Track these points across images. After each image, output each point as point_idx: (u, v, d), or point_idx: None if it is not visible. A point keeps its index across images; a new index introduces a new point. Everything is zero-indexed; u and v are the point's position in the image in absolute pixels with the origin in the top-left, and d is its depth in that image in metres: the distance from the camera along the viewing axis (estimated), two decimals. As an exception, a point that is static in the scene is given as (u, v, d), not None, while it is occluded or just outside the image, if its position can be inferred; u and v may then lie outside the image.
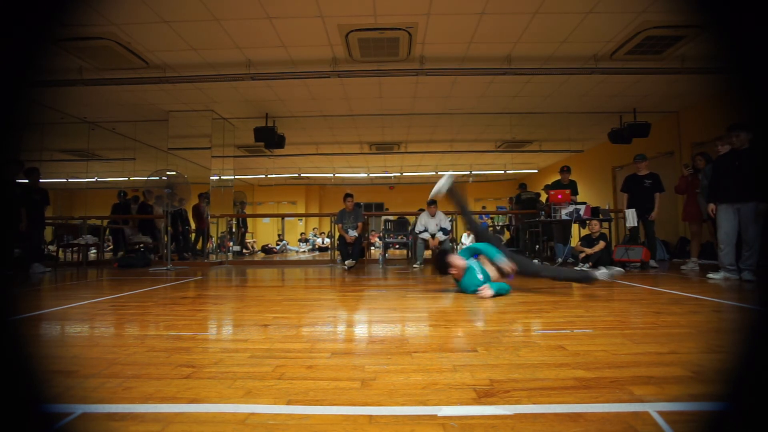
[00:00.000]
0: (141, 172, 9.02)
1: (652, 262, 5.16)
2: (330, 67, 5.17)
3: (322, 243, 12.69)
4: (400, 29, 4.33)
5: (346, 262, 5.88)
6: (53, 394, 1.14)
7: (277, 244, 12.53)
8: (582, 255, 5.05)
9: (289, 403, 1.08)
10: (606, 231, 5.78)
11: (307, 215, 15.07)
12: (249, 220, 12.55)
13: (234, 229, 9.79)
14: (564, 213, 5.60)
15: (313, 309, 2.55)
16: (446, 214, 6.31)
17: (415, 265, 5.95)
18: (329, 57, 5.00)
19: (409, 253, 7.39)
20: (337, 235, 6.39)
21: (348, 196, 6.13)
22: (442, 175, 3.43)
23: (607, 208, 6.33)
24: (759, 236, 3.60)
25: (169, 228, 6.03)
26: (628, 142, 6.95)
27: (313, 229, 14.64)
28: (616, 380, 1.21)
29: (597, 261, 4.99)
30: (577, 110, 7.06)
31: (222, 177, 7.67)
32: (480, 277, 2.99)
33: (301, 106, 6.69)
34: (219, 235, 7.64)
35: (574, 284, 3.56)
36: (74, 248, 7.02)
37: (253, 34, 4.41)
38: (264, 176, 12.97)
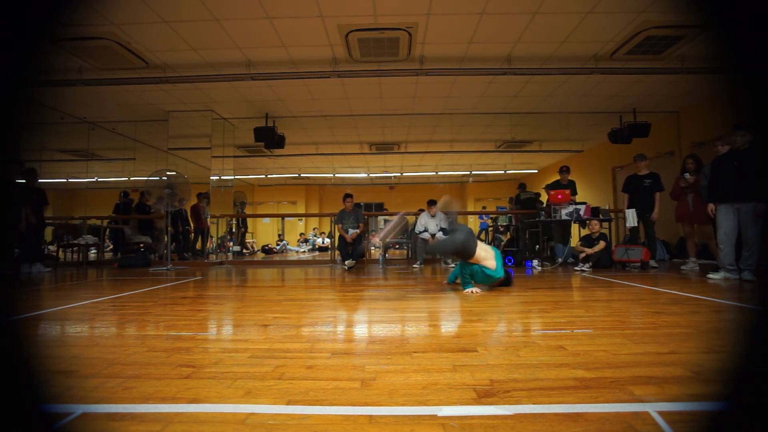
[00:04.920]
0: (141, 172, 9.01)
1: (652, 262, 5.16)
2: (330, 67, 5.18)
3: (322, 243, 12.69)
4: (400, 29, 4.33)
5: (346, 262, 5.88)
6: (53, 394, 1.14)
7: (277, 244, 12.53)
8: (582, 255, 5.05)
9: (289, 403, 1.08)
10: (606, 231, 5.78)
11: (307, 215, 15.07)
12: (249, 220, 12.55)
13: (234, 229, 9.79)
14: (564, 213, 5.60)
15: (313, 309, 2.55)
16: (446, 214, 6.30)
17: (415, 265, 5.96)
18: (329, 57, 5.00)
19: (409, 253, 7.39)
20: (337, 235, 6.39)
21: (347, 196, 6.13)
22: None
23: (607, 208, 6.34)
24: (759, 236, 3.60)
25: (169, 228, 6.03)
26: (628, 142, 6.95)
27: (314, 229, 14.64)
28: (616, 380, 1.21)
29: (597, 261, 5.00)
30: (577, 110, 7.06)
31: (222, 177, 7.67)
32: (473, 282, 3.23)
33: (301, 106, 6.69)
34: (219, 236, 7.64)
35: (574, 285, 3.56)
36: (74, 248, 7.02)
37: (253, 34, 4.41)
38: (264, 176, 12.97)
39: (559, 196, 5.71)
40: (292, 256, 10.51)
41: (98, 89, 5.71)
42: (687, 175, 4.76)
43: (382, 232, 3.17)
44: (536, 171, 12.44)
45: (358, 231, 5.98)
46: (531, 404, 1.05)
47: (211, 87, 5.85)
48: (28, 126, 6.50)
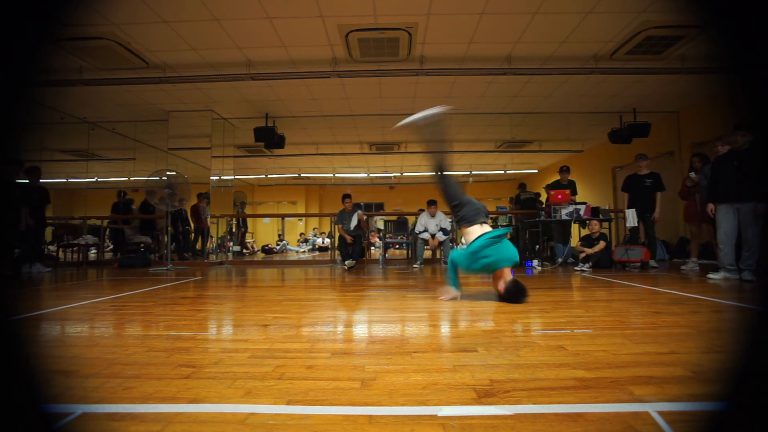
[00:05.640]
0: (141, 172, 9.02)
1: (652, 262, 5.16)
2: (330, 67, 5.17)
3: (322, 243, 12.69)
4: (400, 29, 4.33)
5: (346, 262, 5.89)
6: (53, 394, 1.14)
7: (277, 244, 12.53)
8: (582, 255, 5.05)
9: (289, 403, 1.08)
10: (606, 231, 5.78)
11: (307, 215, 15.07)
12: (249, 220, 12.55)
13: (234, 229, 9.80)
14: (564, 213, 5.60)
15: (313, 309, 2.55)
16: (446, 214, 6.30)
17: (415, 265, 5.95)
18: (329, 57, 5.00)
19: (409, 253, 7.39)
20: (337, 235, 6.39)
21: (346, 196, 6.15)
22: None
23: (607, 208, 6.34)
24: (759, 236, 3.60)
25: (169, 228, 6.03)
26: (628, 142, 6.95)
27: (314, 229, 14.64)
28: (616, 380, 1.21)
29: (597, 261, 5.00)
30: (577, 110, 7.06)
31: (222, 177, 7.67)
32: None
33: (301, 106, 6.69)
34: (219, 236, 7.64)
35: (574, 285, 3.55)
36: (74, 248, 7.02)
37: (253, 34, 4.40)
38: (264, 176, 12.97)
39: (559, 196, 5.70)
40: (292, 256, 10.51)
41: (98, 89, 5.71)
42: (692, 174, 4.76)
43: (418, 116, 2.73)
44: (536, 171, 12.44)
45: (363, 214, 6.05)
46: (531, 404, 1.05)
47: (211, 87, 5.85)
48: (28, 126, 6.50)
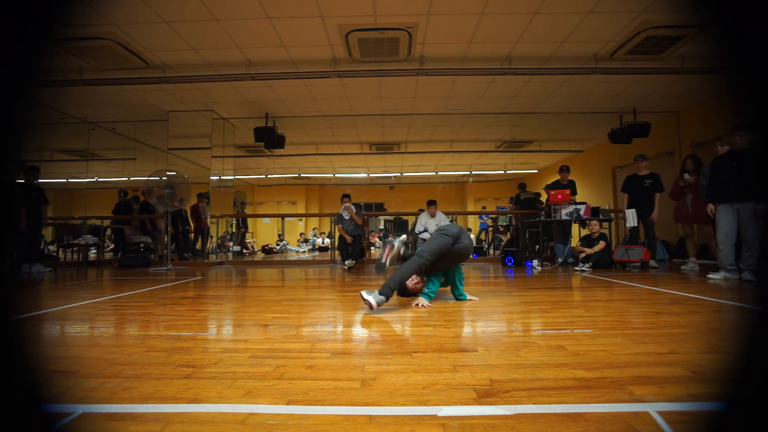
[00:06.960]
0: (141, 172, 9.02)
1: (652, 263, 5.16)
2: (330, 67, 5.18)
3: (322, 243, 12.70)
4: (400, 29, 4.33)
5: (346, 263, 5.89)
6: (53, 394, 1.14)
7: (277, 244, 12.53)
8: (582, 255, 5.05)
9: (289, 403, 1.08)
10: (606, 231, 5.78)
11: (307, 215, 15.07)
12: (249, 220, 12.56)
13: (234, 229, 9.80)
14: (564, 213, 5.60)
15: (313, 309, 2.55)
16: (446, 214, 6.30)
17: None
18: (329, 57, 5.00)
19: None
20: (337, 235, 6.39)
21: (345, 196, 6.16)
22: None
23: (607, 208, 6.34)
24: (759, 236, 3.60)
25: (169, 228, 6.03)
26: (628, 142, 6.96)
27: (314, 229, 14.64)
28: (616, 380, 1.21)
29: (597, 261, 5.00)
30: (577, 110, 7.06)
31: (222, 177, 7.67)
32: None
33: (301, 106, 6.69)
34: (219, 236, 7.64)
35: (574, 285, 3.55)
36: (74, 248, 7.02)
37: (253, 34, 4.41)
38: (264, 176, 12.97)
39: (559, 196, 5.70)
40: (292, 256, 10.51)
41: (98, 89, 5.72)
42: (687, 176, 4.76)
43: (387, 255, 2.78)
44: (536, 171, 12.45)
45: (353, 206, 6.07)
46: (531, 404, 1.05)
47: (211, 87, 5.85)
48: (28, 126, 6.50)
